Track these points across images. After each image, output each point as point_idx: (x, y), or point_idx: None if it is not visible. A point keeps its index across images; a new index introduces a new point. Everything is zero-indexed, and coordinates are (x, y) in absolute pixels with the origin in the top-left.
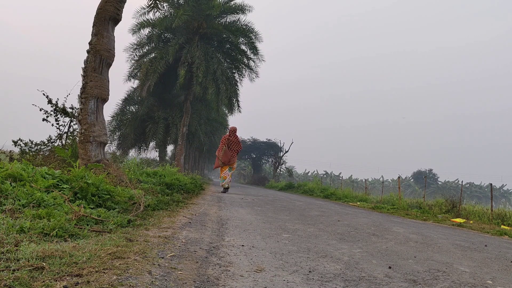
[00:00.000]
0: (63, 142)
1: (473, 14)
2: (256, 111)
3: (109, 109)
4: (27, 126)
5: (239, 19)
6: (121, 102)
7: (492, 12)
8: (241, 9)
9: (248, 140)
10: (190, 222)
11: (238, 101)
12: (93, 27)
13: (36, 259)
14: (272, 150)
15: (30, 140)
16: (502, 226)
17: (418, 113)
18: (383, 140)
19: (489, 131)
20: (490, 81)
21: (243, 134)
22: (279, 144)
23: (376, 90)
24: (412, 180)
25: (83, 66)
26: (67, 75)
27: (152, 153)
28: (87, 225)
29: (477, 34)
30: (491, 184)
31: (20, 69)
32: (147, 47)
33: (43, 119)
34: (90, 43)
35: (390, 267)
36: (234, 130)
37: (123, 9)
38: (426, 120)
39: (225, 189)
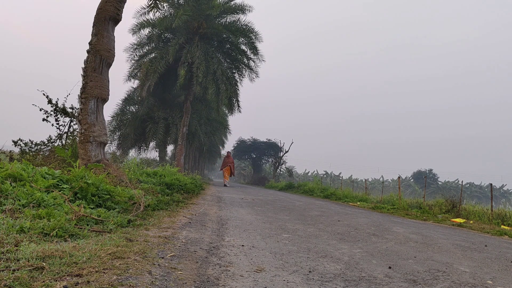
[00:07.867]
0: (63, 142)
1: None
2: (257, 110)
3: (109, 109)
4: (27, 126)
5: (239, 19)
6: (121, 102)
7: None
8: (241, 9)
9: (248, 140)
10: (190, 222)
11: (238, 101)
12: (93, 27)
13: (36, 259)
14: (272, 150)
15: (30, 140)
16: (502, 226)
17: (418, 113)
18: (383, 140)
19: (489, 131)
20: (490, 81)
21: (243, 134)
22: (279, 144)
23: (376, 89)
24: (412, 180)
25: (83, 66)
26: (71, 73)
27: (152, 153)
28: (87, 225)
29: None
30: (491, 184)
31: (21, 67)
32: (147, 47)
33: (43, 119)
34: (90, 43)
35: (390, 267)
36: (228, 154)
37: (123, 9)
38: (426, 119)
39: (225, 185)
